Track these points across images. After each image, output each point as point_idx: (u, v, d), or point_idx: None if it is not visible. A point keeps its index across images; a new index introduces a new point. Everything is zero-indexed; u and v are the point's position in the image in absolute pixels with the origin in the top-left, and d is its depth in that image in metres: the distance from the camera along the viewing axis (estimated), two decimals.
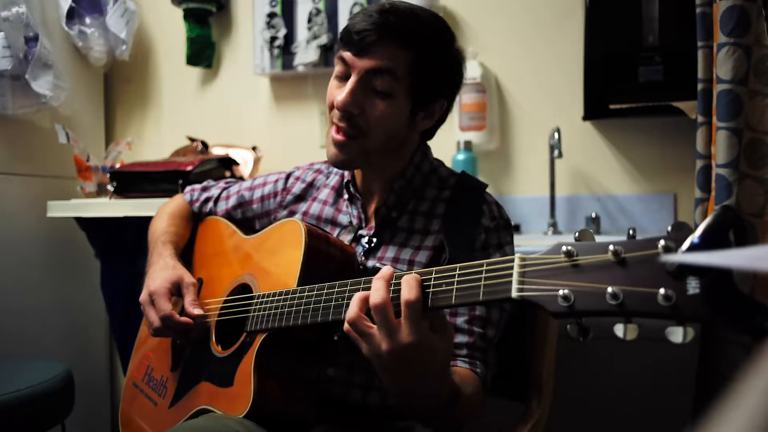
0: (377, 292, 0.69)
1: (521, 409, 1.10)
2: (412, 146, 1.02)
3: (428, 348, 0.68)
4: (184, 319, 0.97)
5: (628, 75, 1.63)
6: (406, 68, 0.91)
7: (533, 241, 1.54)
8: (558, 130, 1.68)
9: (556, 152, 1.68)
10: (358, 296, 0.72)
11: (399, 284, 0.70)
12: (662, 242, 0.52)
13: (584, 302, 0.56)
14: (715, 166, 1.13)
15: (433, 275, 0.69)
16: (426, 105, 0.97)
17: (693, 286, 0.50)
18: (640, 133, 1.73)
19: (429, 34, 0.94)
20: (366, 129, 0.93)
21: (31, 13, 1.78)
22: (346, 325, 0.72)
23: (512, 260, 0.63)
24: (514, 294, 0.61)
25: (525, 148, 1.84)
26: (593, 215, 1.71)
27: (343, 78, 0.94)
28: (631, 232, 0.57)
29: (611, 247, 0.55)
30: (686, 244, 0.50)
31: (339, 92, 0.93)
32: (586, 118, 1.72)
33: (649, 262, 0.53)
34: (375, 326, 0.69)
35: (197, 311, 0.97)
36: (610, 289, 0.54)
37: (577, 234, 0.60)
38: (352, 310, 0.71)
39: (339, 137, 0.94)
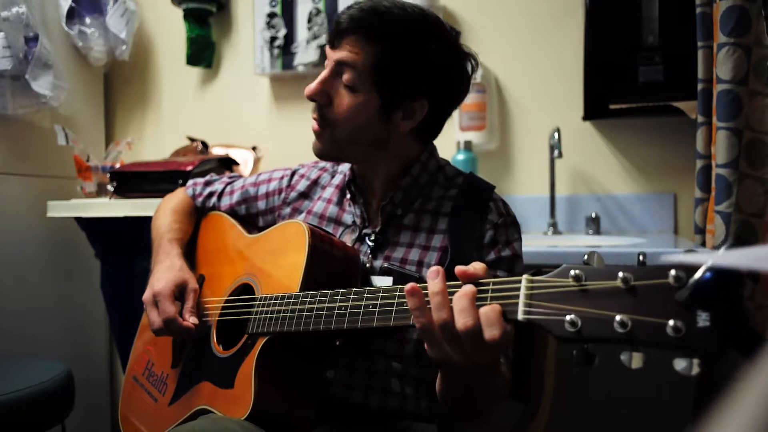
0: (463, 312, 0.65)
1: (521, 409, 1.10)
2: (406, 146, 0.99)
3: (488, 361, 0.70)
4: (186, 324, 0.97)
5: (628, 75, 1.63)
6: (371, 63, 0.91)
7: (533, 242, 1.53)
8: (558, 130, 1.68)
9: (556, 152, 1.68)
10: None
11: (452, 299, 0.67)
12: (673, 272, 0.51)
13: (592, 329, 0.55)
14: (715, 166, 1.13)
15: None
16: (400, 103, 0.93)
17: (703, 318, 0.50)
18: (640, 133, 1.73)
19: (401, 30, 0.91)
20: (333, 120, 0.94)
21: (31, 13, 1.78)
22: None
23: (519, 281, 0.62)
24: (521, 316, 0.61)
25: (525, 148, 1.84)
26: (593, 215, 1.71)
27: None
28: (641, 258, 0.57)
29: (621, 274, 0.54)
30: (697, 276, 0.49)
31: None
32: (586, 118, 1.72)
33: (659, 292, 0.52)
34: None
35: (192, 320, 0.97)
36: (618, 317, 0.53)
37: (585, 257, 0.59)
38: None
39: (314, 127, 0.97)
